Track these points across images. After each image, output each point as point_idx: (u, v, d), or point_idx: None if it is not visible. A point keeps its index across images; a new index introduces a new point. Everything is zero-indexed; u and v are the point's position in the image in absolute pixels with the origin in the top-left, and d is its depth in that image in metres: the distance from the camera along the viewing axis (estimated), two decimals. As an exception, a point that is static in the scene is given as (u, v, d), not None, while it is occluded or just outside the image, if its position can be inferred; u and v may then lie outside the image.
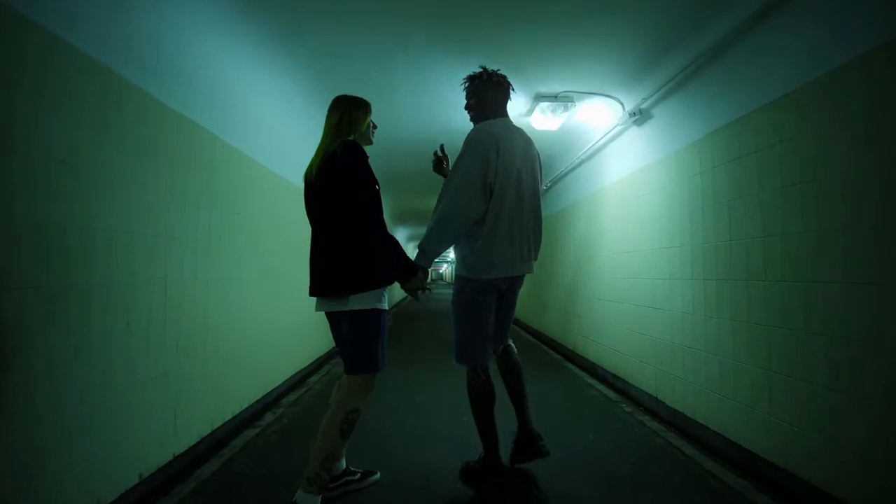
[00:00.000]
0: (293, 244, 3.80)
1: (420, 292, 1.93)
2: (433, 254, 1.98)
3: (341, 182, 1.69)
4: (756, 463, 2.20)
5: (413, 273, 1.85)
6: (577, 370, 4.56)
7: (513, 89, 2.21)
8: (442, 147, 2.31)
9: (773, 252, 2.15)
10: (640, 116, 3.34)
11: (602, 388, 3.88)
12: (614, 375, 3.93)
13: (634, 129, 3.53)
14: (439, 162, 2.28)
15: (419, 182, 6.54)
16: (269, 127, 3.40)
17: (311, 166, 1.80)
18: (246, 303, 2.99)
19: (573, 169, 4.99)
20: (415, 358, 4.96)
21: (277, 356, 3.57)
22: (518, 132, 2.12)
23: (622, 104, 3.47)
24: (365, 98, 1.94)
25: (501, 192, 1.94)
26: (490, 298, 2.07)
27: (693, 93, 2.74)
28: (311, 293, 1.82)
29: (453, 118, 3.99)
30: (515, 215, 2.00)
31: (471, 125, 2.17)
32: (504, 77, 2.16)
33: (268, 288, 3.38)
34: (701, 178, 2.72)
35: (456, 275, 2.16)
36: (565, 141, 4.56)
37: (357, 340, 1.74)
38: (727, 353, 2.47)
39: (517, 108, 3.77)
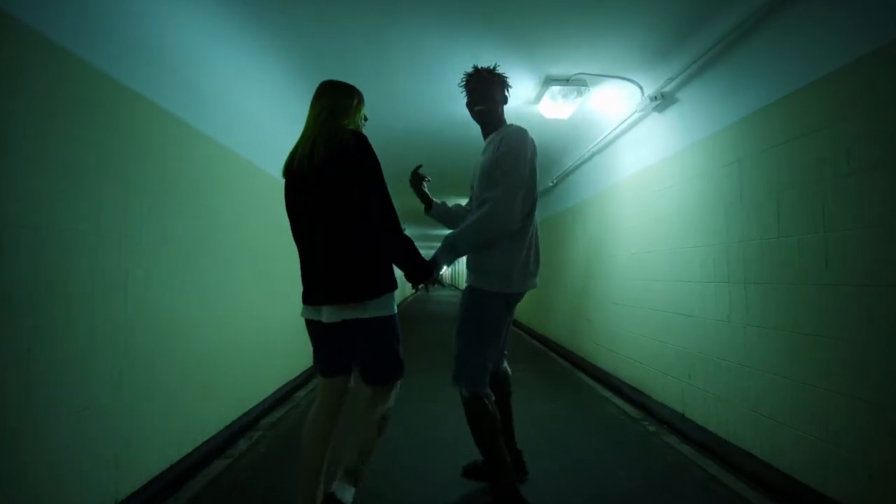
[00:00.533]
0: (286, 244, 3.45)
1: (431, 285, 1.82)
2: (460, 256, 1.83)
3: (358, 176, 1.50)
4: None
5: (430, 274, 1.71)
6: (589, 381, 4.21)
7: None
8: (419, 168, 2.11)
9: (836, 251, 1.80)
10: (661, 101, 2.99)
11: (620, 402, 3.52)
12: (632, 388, 3.57)
13: (655, 116, 3.19)
14: (418, 180, 2.08)
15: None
16: (250, 116, 3.06)
17: (303, 155, 1.54)
18: (221, 309, 2.64)
19: (583, 163, 4.64)
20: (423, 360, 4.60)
21: (261, 368, 3.21)
22: None
23: (641, 88, 3.13)
24: (356, 85, 1.70)
25: (534, 200, 1.84)
26: (509, 316, 1.94)
27: (728, 71, 2.40)
28: (316, 301, 1.57)
29: (456, 108, 3.66)
30: (534, 225, 1.90)
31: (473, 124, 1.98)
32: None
33: (250, 293, 3.03)
34: (739, 166, 2.37)
35: (470, 287, 1.87)
36: (575, 133, 4.22)
37: (381, 349, 1.63)
38: (776, 369, 2.12)
39: (524, 94, 3.43)
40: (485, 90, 1.89)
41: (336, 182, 1.50)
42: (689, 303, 2.82)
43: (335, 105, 1.61)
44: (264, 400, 3.23)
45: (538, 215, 1.95)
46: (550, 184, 5.73)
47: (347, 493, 1.53)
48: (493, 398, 1.84)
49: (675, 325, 2.99)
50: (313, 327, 1.63)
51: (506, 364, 2.16)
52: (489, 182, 1.75)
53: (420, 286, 1.80)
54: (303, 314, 1.65)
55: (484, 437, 1.81)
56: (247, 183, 3.10)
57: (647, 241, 3.39)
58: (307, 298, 1.61)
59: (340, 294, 1.51)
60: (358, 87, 1.71)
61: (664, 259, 3.15)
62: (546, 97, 3.30)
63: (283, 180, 1.65)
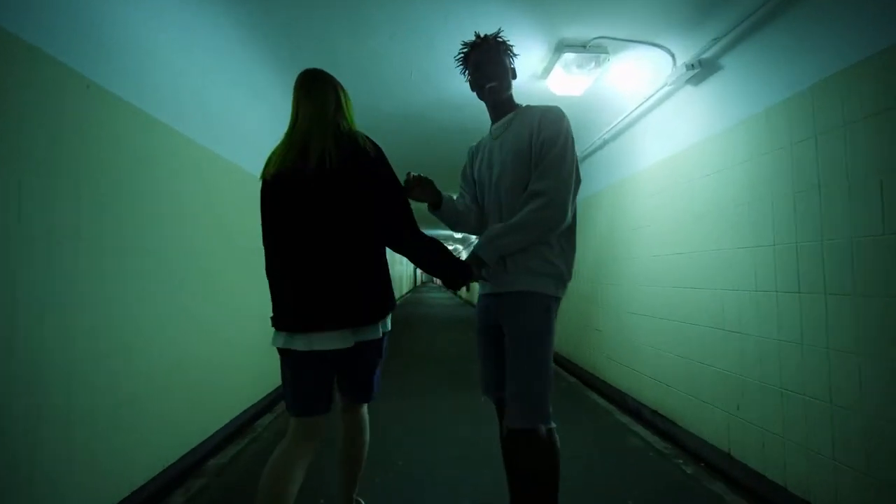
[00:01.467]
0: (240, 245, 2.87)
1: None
2: (507, 254, 1.50)
3: (375, 186, 1.36)
4: None
5: (471, 273, 1.50)
6: (602, 401, 3.67)
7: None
8: (410, 176, 1.59)
9: None
10: (699, 70, 2.46)
11: (642, 430, 2.99)
12: (655, 413, 3.04)
13: (688, 91, 2.66)
14: (418, 184, 1.57)
15: (409, 167, 5.62)
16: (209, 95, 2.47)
17: (304, 157, 1.34)
18: (162, 325, 2.05)
19: (594, 151, 4.11)
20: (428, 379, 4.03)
21: (211, 395, 2.62)
22: None
23: (672, 56, 2.59)
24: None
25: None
26: None
27: (801, 21, 1.87)
28: (308, 326, 1.33)
29: (452, 83, 3.11)
30: None
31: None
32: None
33: (198, 303, 2.44)
34: (817, 144, 1.84)
35: (532, 293, 1.49)
36: (584, 116, 3.67)
37: (375, 367, 1.54)
38: (880, 410, 1.58)
39: (530, 66, 2.88)
40: (496, 62, 1.58)
41: (351, 191, 1.34)
42: (739, 316, 2.29)
43: (336, 102, 1.44)
44: (218, 431, 2.64)
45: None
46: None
47: None
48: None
49: (717, 342, 2.46)
50: (302, 358, 1.36)
51: None
52: (535, 172, 1.48)
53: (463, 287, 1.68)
54: (282, 343, 1.37)
55: (548, 487, 1.46)
56: (186, 160, 2.48)
57: (677, 240, 2.86)
58: (293, 324, 1.35)
59: (354, 315, 1.37)
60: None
61: (702, 262, 2.62)
62: (557, 68, 2.75)
63: (258, 180, 1.43)
